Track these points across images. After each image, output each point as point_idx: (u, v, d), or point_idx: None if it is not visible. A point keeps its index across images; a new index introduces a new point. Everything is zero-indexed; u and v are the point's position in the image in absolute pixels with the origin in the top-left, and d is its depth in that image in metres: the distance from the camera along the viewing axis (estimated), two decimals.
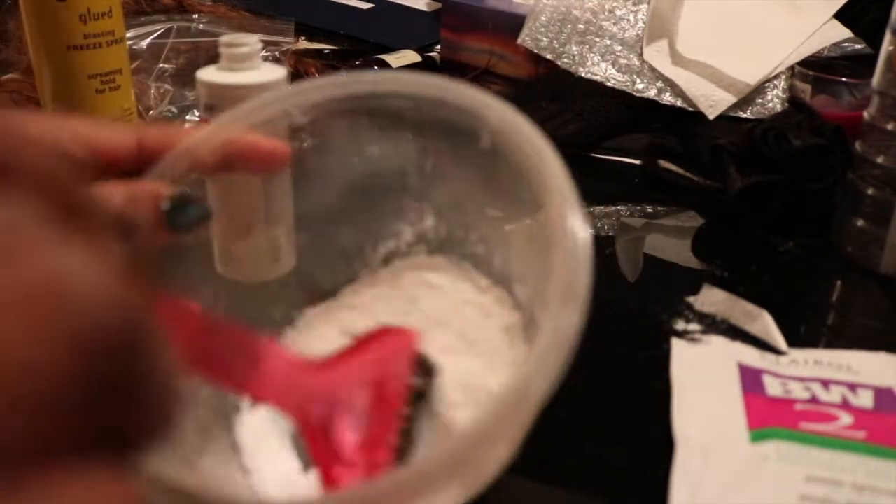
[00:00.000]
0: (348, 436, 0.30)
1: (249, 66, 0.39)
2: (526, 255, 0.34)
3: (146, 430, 0.15)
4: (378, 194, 0.40)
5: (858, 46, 0.72)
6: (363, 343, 0.33)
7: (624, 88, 0.70)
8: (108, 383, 0.14)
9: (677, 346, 0.45)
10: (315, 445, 0.29)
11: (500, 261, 0.38)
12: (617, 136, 0.71)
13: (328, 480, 0.29)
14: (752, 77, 0.67)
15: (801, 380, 0.42)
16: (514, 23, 0.74)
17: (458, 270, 0.39)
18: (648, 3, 0.72)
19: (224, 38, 0.39)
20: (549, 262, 0.27)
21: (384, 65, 0.76)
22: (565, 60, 0.71)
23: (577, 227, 0.27)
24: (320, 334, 0.39)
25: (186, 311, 0.28)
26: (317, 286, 0.41)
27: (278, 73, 0.39)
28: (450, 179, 0.37)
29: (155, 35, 0.66)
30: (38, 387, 0.13)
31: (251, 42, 0.39)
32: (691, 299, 0.49)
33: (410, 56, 0.80)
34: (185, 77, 0.64)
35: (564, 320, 0.25)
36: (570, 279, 0.26)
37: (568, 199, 0.27)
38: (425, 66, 0.79)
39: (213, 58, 0.51)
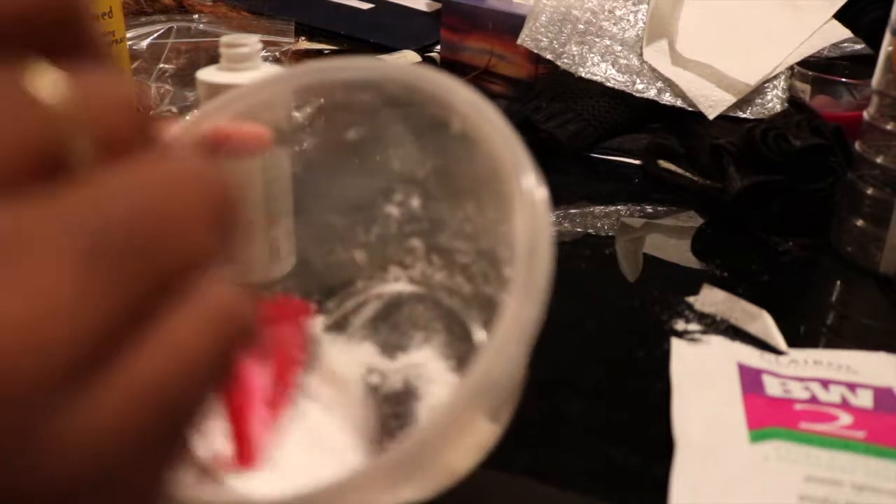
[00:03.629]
0: (256, 384, 0.31)
1: (249, 66, 0.39)
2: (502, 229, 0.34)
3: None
4: (364, 178, 0.40)
5: (858, 47, 0.73)
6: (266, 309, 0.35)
7: (624, 89, 0.70)
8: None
9: (677, 346, 0.45)
10: (229, 395, 0.31)
11: (486, 239, 0.38)
12: (617, 136, 0.71)
13: (237, 427, 0.31)
14: (751, 77, 0.67)
15: (801, 380, 0.42)
16: (514, 23, 0.74)
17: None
18: (648, 4, 0.72)
19: (224, 39, 0.39)
20: (510, 227, 0.27)
21: None
22: (565, 61, 0.71)
23: (533, 187, 0.27)
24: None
25: None
26: (310, 268, 0.41)
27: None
28: (431, 161, 0.38)
29: (155, 35, 0.66)
30: None
31: (251, 42, 0.39)
32: (691, 299, 0.49)
33: (410, 56, 0.80)
34: (185, 77, 0.64)
35: (526, 300, 0.25)
36: (532, 242, 0.26)
37: (522, 162, 0.28)
38: (424, 66, 0.79)
39: (213, 58, 0.52)
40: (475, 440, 0.34)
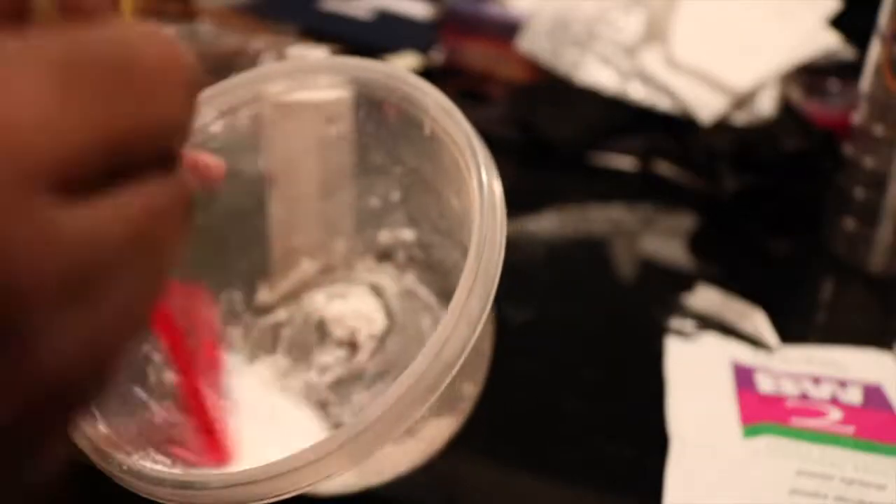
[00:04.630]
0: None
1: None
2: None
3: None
4: (348, 171, 0.41)
5: (850, 52, 0.74)
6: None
7: (620, 93, 0.71)
8: None
9: (672, 344, 0.46)
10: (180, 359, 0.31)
11: (458, 235, 0.39)
12: (613, 138, 0.72)
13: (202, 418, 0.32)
14: (745, 82, 0.68)
15: (793, 376, 0.42)
16: (513, 28, 0.76)
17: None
18: (644, 10, 0.74)
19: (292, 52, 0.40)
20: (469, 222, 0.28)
21: None
22: (563, 65, 0.72)
23: (492, 186, 0.29)
24: None
25: None
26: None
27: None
28: (406, 159, 0.38)
29: None
30: None
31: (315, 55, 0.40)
32: (686, 298, 0.50)
33: (410, 61, 0.81)
34: None
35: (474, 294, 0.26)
36: (485, 237, 0.27)
37: (481, 160, 0.29)
38: (425, 70, 0.80)
39: (219, 64, 0.53)
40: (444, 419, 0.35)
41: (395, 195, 0.41)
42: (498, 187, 0.29)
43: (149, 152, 0.15)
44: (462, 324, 0.26)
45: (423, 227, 0.41)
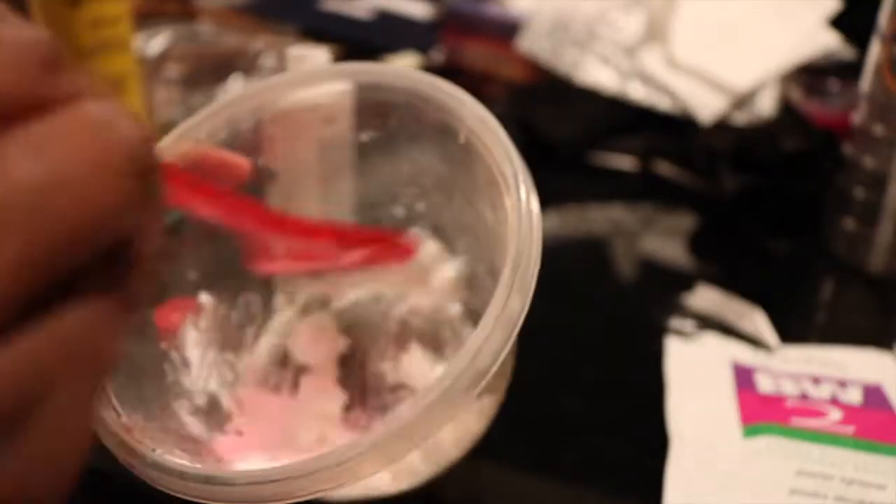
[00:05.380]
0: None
1: None
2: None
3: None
4: (374, 178, 0.41)
5: (850, 52, 0.74)
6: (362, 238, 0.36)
7: (620, 93, 0.71)
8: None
9: (672, 344, 0.46)
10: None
11: (485, 248, 0.39)
12: (613, 138, 0.72)
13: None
14: (745, 82, 0.68)
15: (793, 376, 0.42)
16: (513, 28, 0.76)
17: None
18: (644, 10, 0.74)
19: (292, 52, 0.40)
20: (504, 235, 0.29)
21: None
22: (563, 65, 0.72)
23: (530, 200, 0.29)
24: None
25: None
26: None
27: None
28: (436, 169, 0.38)
29: (161, 41, 0.67)
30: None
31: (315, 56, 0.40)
32: (686, 298, 0.50)
33: (411, 61, 0.81)
34: (191, 83, 0.65)
35: (511, 299, 0.26)
36: (521, 252, 0.27)
37: (521, 175, 0.29)
38: (425, 71, 0.80)
39: (218, 63, 0.53)
40: (464, 427, 0.35)
41: (421, 205, 0.40)
42: (535, 203, 0.29)
43: (89, 255, 0.15)
44: (497, 331, 0.26)
45: (447, 237, 0.40)
